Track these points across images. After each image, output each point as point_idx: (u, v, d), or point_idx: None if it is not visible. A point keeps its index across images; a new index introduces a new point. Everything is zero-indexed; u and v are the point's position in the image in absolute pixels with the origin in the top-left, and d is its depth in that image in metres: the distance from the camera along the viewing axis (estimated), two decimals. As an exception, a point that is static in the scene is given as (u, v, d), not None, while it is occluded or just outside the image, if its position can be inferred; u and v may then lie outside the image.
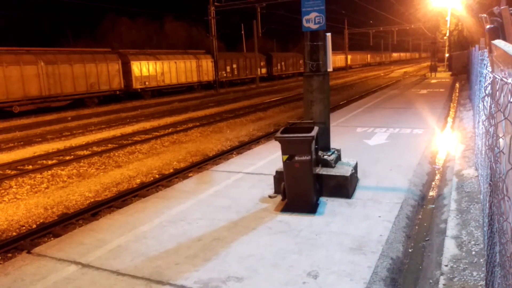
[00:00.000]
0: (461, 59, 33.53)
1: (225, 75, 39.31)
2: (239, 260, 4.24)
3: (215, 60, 36.87)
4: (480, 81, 6.91)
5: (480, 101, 5.96)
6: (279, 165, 6.04)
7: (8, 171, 10.47)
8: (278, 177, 6.07)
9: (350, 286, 3.68)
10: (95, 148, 12.91)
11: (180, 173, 9.24)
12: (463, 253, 4.12)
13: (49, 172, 10.25)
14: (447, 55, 46.28)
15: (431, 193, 6.63)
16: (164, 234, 4.98)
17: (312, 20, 6.15)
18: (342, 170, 6.06)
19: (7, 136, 16.29)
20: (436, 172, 7.72)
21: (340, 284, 3.72)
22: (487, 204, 3.51)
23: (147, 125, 17.46)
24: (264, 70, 45.95)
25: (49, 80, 23.79)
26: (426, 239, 4.99)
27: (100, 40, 46.73)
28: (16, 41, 38.38)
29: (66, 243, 4.90)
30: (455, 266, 3.90)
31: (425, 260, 4.47)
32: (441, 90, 22.07)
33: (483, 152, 5.03)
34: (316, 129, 5.54)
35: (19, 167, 10.83)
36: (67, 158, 11.68)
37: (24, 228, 6.84)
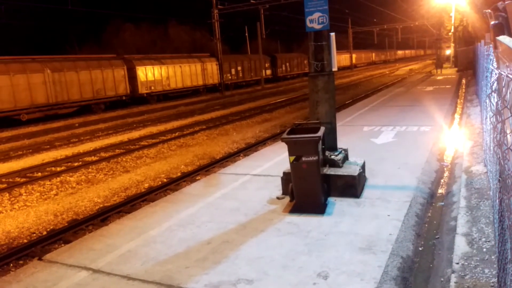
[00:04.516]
0: (466, 55, 33.31)
1: (230, 77, 39.38)
2: (249, 262, 4.24)
3: (219, 63, 36.95)
4: (486, 76, 6.87)
5: (487, 97, 5.92)
6: (286, 166, 6.04)
7: (18, 179, 10.56)
8: (286, 178, 6.06)
9: (361, 286, 3.67)
10: (102, 154, 12.99)
11: (188, 177, 9.27)
12: (474, 251, 4.09)
13: (58, 178, 10.33)
14: (448, 51, 45.93)
15: (440, 191, 6.59)
16: (173, 238, 5.00)
17: (315, 20, 6.15)
18: (349, 169, 6.04)
19: (16, 144, 16.43)
20: (445, 169, 7.67)
21: (350, 284, 3.71)
22: (497, 201, 3.49)
23: (153, 129, 17.53)
24: (269, 72, 45.94)
25: (55, 87, 23.98)
26: (436, 237, 4.96)
27: (105, 46, 47.00)
28: (22, 49, 38.76)
29: (76, 249, 4.94)
30: (466, 263, 3.87)
31: (436, 258, 4.44)
32: (447, 86, 21.94)
33: (491, 148, 4.99)
34: (322, 129, 5.54)
35: (28, 175, 10.92)
36: (76, 164, 11.75)
37: (34, 235, 6.89)
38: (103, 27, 51.46)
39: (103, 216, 7.24)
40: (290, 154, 5.35)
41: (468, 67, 30.91)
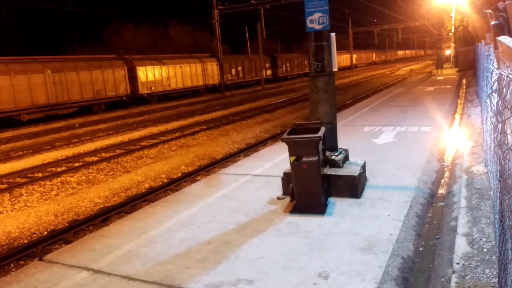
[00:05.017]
0: (467, 55, 33.31)
1: (230, 78, 39.38)
2: (249, 262, 4.24)
3: (220, 63, 36.97)
4: (487, 76, 6.87)
5: (487, 97, 5.92)
6: (286, 166, 6.04)
7: (18, 179, 10.57)
8: (286, 179, 6.06)
9: (361, 286, 3.66)
10: (103, 154, 12.99)
11: (188, 177, 9.27)
12: (475, 251, 4.09)
13: (59, 179, 10.33)
14: (448, 52, 45.90)
15: (440, 191, 6.59)
16: (173, 238, 5.00)
17: (316, 20, 6.15)
18: (350, 170, 6.04)
19: (16, 144, 16.44)
20: (445, 169, 7.67)
21: (351, 284, 3.71)
22: (498, 201, 3.49)
23: (154, 130, 17.54)
24: (269, 72, 45.95)
25: (56, 88, 23.99)
26: (437, 237, 4.96)
27: (105, 47, 47.01)
28: (23, 50, 38.80)
29: (77, 249, 4.94)
30: (466, 264, 3.87)
31: (436, 258, 4.44)
32: (447, 87, 21.93)
33: (492, 148, 4.99)
34: (323, 129, 5.53)
35: (29, 175, 10.93)
36: (76, 165, 11.76)
37: (35, 235, 6.89)
38: (104, 27, 51.52)
39: (104, 216, 7.24)
40: (291, 154, 5.35)
41: (469, 67, 30.92)
